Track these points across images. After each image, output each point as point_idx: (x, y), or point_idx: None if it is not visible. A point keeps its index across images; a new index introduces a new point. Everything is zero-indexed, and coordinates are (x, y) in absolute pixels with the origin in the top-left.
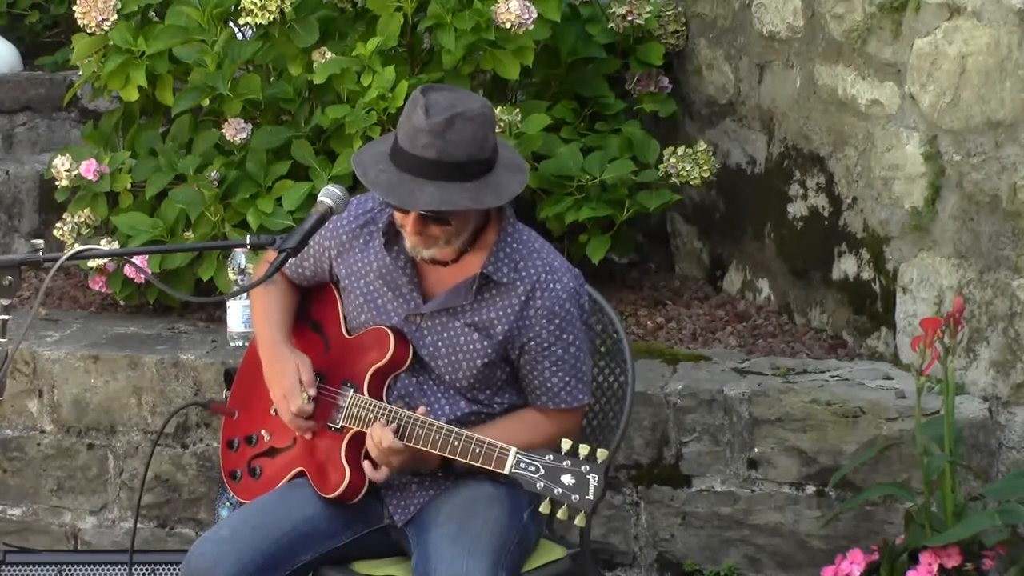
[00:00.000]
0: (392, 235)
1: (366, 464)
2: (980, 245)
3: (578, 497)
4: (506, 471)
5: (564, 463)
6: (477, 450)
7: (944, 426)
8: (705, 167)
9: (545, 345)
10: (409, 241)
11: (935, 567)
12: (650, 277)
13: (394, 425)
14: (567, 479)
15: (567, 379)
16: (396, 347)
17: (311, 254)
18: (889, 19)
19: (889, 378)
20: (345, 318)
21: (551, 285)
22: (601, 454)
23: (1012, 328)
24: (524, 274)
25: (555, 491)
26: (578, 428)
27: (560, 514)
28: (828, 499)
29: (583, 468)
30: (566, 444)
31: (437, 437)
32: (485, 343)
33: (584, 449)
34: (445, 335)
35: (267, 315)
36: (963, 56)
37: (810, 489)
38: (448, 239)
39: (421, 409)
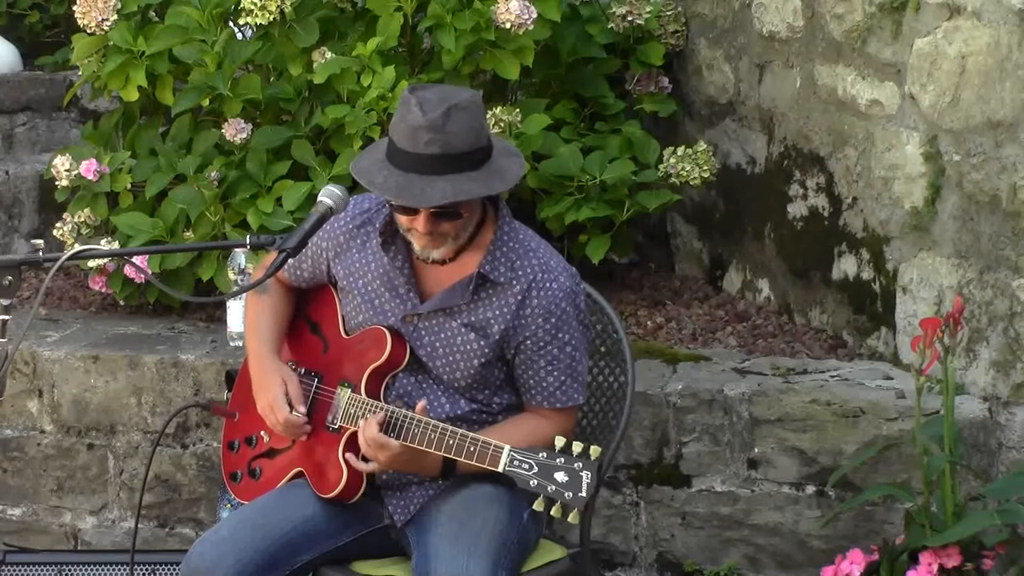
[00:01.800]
0: (389, 235)
1: (349, 455)
2: (980, 245)
3: (571, 494)
4: (500, 469)
5: (557, 461)
6: (472, 448)
7: (944, 426)
8: (705, 167)
9: (541, 344)
10: (419, 243)
11: (935, 567)
12: (650, 277)
13: (381, 415)
14: (560, 476)
15: (562, 378)
16: (393, 347)
17: (309, 255)
18: (889, 19)
19: (889, 378)
20: (343, 318)
21: (547, 284)
22: (594, 451)
23: (1012, 328)
24: (520, 273)
25: (548, 488)
26: (573, 428)
27: (554, 511)
28: (828, 499)
29: (576, 465)
30: (559, 442)
31: (432, 435)
32: (482, 343)
33: (577, 447)
34: (442, 335)
35: (256, 327)
36: (963, 56)
37: (810, 489)
38: (457, 234)
39: (421, 404)
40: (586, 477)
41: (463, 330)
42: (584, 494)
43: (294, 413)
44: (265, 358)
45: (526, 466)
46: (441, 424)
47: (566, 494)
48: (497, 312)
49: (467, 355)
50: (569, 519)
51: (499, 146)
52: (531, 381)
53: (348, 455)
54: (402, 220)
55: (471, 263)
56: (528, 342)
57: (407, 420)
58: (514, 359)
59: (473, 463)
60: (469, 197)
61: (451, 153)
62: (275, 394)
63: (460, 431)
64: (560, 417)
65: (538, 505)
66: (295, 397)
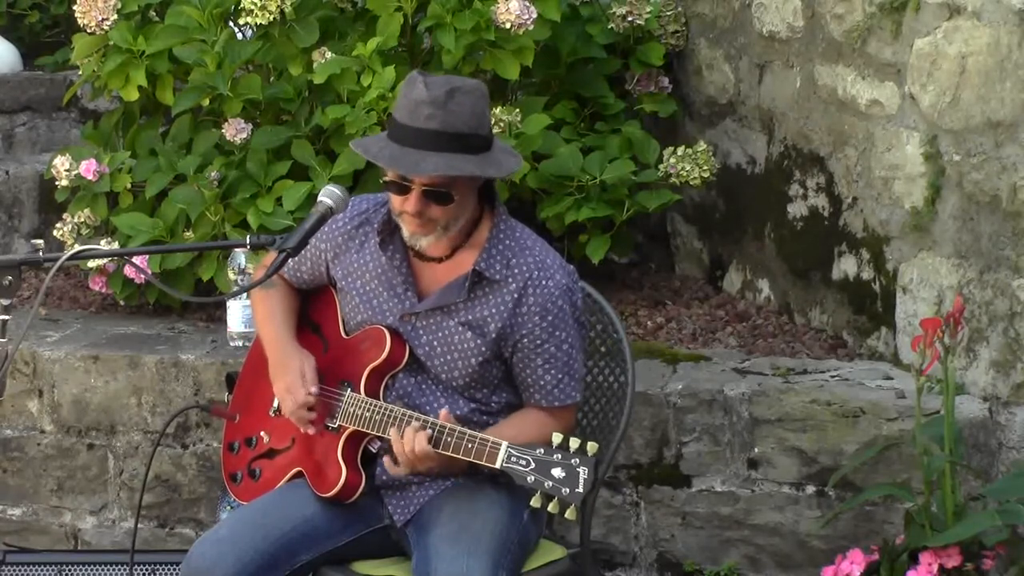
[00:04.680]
0: (387, 235)
1: (387, 459)
2: (980, 245)
3: (568, 490)
4: (497, 465)
5: (554, 456)
6: (469, 445)
7: (944, 426)
8: (705, 167)
9: (538, 343)
10: (408, 227)
11: (935, 567)
12: (650, 277)
13: (429, 431)
14: (557, 472)
15: (560, 376)
16: (392, 346)
17: (308, 257)
18: (889, 19)
19: (889, 378)
20: (343, 319)
21: (543, 282)
22: (591, 447)
23: (1012, 328)
24: (516, 271)
25: (545, 484)
26: (574, 426)
27: (551, 507)
28: (828, 499)
29: (573, 461)
30: (556, 438)
31: (430, 433)
32: (479, 341)
33: (574, 442)
34: (440, 334)
35: (271, 316)
36: (963, 56)
37: (810, 489)
38: (447, 224)
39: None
40: (583, 473)
41: (460, 328)
42: (581, 490)
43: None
44: (284, 342)
45: (523, 462)
46: (439, 422)
47: (563, 490)
48: (493, 310)
49: (464, 354)
50: (566, 515)
51: (499, 145)
52: (529, 380)
53: (385, 458)
54: (395, 202)
55: (467, 261)
56: (525, 340)
57: (406, 419)
58: (511, 357)
59: (471, 460)
60: (461, 174)
61: (450, 131)
62: (294, 376)
63: (458, 428)
64: (561, 415)
65: (535, 501)
66: (310, 379)
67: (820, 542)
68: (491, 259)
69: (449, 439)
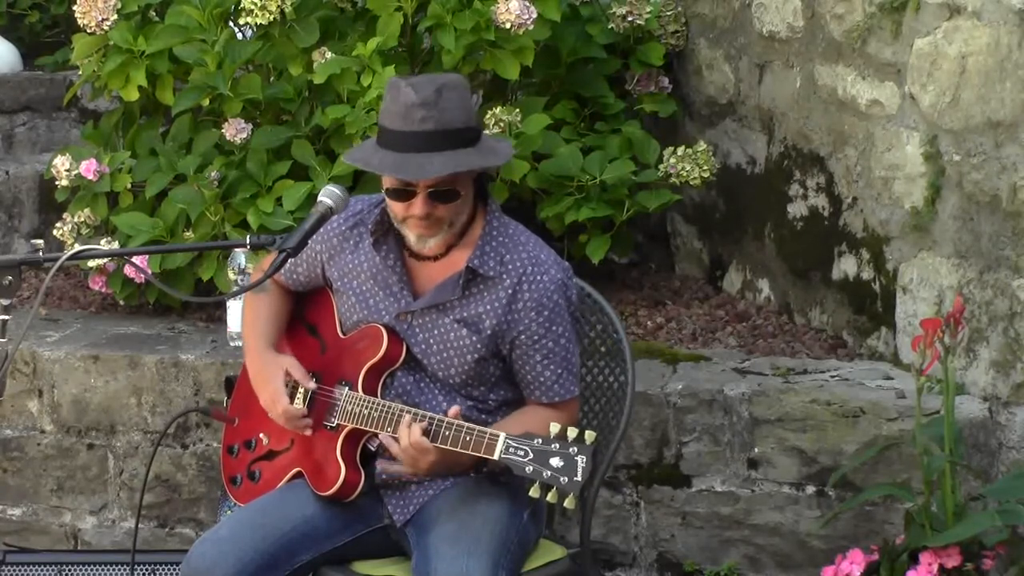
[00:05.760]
0: (381, 234)
1: (383, 462)
2: (980, 245)
3: (566, 479)
4: (496, 456)
5: (552, 446)
6: (467, 438)
7: (944, 426)
8: (705, 167)
9: (535, 338)
10: (414, 230)
11: (935, 567)
12: (650, 277)
13: (424, 423)
14: (555, 462)
15: (559, 371)
16: (389, 344)
17: (304, 258)
18: (889, 19)
19: (889, 378)
20: (340, 319)
21: (538, 277)
22: (589, 436)
23: (1012, 328)
24: (510, 267)
25: (544, 474)
26: (577, 420)
27: (550, 497)
28: (828, 499)
29: (571, 450)
30: (555, 428)
31: (426, 425)
32: (474, 338)
33: (572, 432)
34: (436, 332)
35: (254, 325)
36: (963, 56)
37: (810, 489)
38: (452, 220)
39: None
40: (581, 462)
41: (455, 326)
42: (579, 478)
43: (295, 404)
44: (262, 352)
45: (521, 452)
46: (437, 416)
47: (561, 479)
48: (488, 307)
49: (460, 351)
50: (565, 504)
51: (486, 134)
52: (528, 376)
53: (382, 463)
54: (397, 209)
55: (461, 259)
56: (523, 336)
57: (404, 414)
58: (510, 355)
59: (469, 452)
60: (469, 168)
61: (446, 129)
62: (276, 386)
63: (456, 421)
64: (564, 409)
65: (534, 491)
66: (300, 377)
67: (820, 542)
68: (485, 256)
69: (447, 432)
